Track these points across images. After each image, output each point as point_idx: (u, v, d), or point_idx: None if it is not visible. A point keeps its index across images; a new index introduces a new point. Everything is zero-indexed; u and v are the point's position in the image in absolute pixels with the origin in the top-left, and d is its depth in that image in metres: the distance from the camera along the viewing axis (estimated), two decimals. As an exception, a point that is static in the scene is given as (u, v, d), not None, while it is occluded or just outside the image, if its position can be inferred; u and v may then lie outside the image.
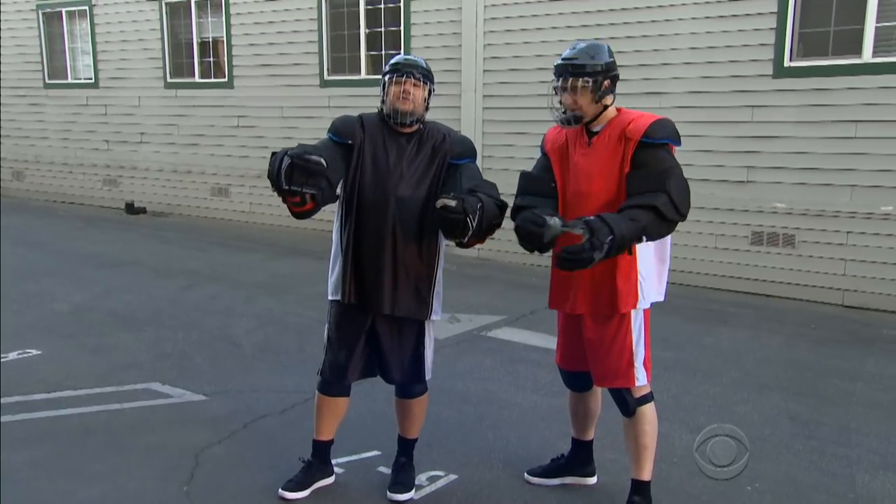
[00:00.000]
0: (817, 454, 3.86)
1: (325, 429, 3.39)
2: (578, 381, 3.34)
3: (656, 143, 2.93)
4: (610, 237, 2.70)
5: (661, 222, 2.84)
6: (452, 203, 2.81)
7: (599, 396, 3.42)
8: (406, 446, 3.46)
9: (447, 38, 8.49)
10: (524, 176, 3.26)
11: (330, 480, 3.44)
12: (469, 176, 3.16)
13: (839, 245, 6.64)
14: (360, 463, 3.67)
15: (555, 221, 2.77)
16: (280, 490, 3.32)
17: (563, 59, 3.02)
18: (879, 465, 3.74)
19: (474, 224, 2.85)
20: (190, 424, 4.11)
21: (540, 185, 3.20)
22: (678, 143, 2.99)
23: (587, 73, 2.97)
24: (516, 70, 8.03)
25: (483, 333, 5.70)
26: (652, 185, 2.86)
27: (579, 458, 3.49)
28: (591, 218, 2.77)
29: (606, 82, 3.00)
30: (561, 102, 3.06)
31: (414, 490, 3.38)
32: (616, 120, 3.03)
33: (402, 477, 3.40)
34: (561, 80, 3.00)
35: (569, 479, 3.49)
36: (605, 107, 3.03)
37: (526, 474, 3.53)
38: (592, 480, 3.50)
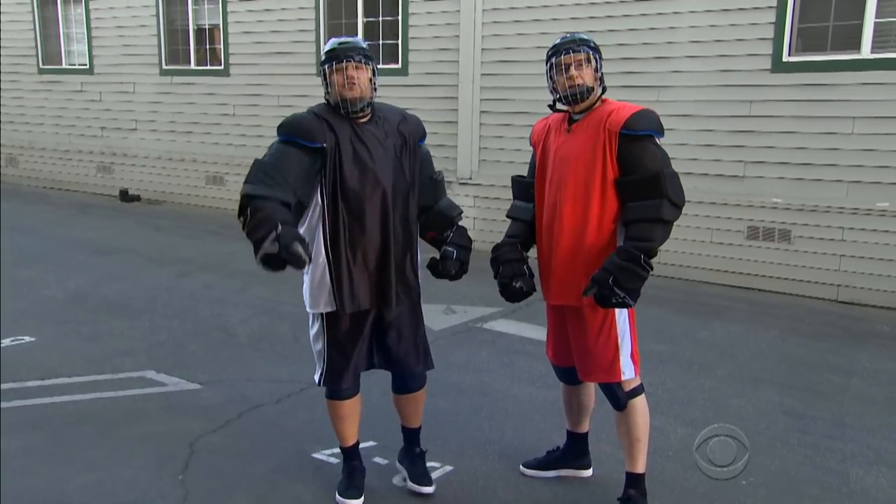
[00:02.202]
0: (811, 448, 3.87)
1: (349, 434, 3.29)
2: (571, 374, 3.33)
3: (638, 134, 2.91)
4: (610, 277, 2.83)
5: (668, 226, 2.92)
6: (453, 272, 3.15)
7: (593, 390, 3.42)
8: (414, 436, 3.41)
9: (445, 28, 8.45)
10: (513, 181, 3.40)
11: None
12: (429, 171, 3.24)
13: (834, 241, 6.66)
14: (355, 453, 3.66)
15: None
16: (340, 498, 3.24)
17: (561, 38, 3.04)
18: (873, 460, 3.76)
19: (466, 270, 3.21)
20: (185, 413, 4.10)
21: (522, 189, 3.34)
22: (661, 134, 2.97)
23: (591, 46, 3.01)
24: (514, 62, 8.00)
25: (478, 325, 5.70)
26: (649, 193, 2.88)
27: (574, 450, 3.50)
28: (596, 274, 2.89)
29: (601, 68, 3.04)
30: (555, 88, 3.04)
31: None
32: (598, 108, 3.03)
33: (422, 467, 3.37)
34: (563, 55, 2.97)
35: (564, 472, 3.49)
36: (604, 89, 3.04)
37: (521, 466, 3.53)
38: (588, 473, 3.51)
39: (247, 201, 2.81)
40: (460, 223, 3.28)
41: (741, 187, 7.00)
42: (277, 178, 2.85)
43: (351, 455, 3.34)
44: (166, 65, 10.84)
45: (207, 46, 10.53)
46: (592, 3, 7.52)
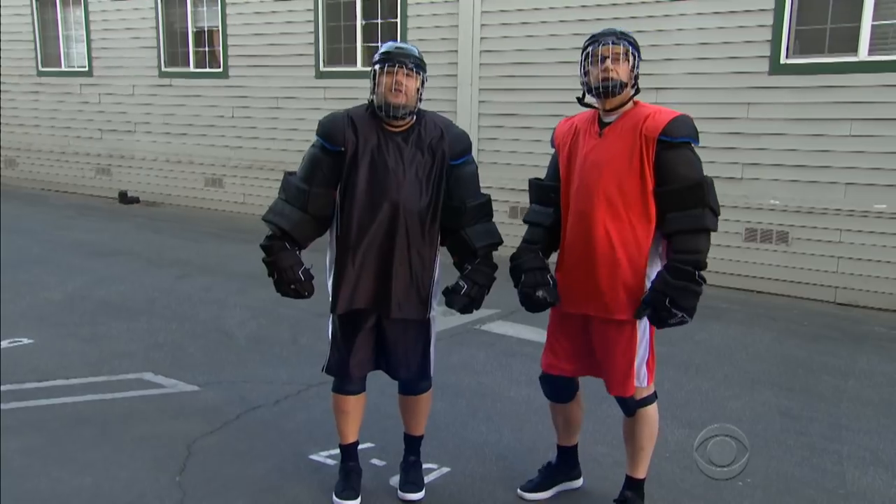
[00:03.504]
0: (808, 450, 3.88)
1: (349, 431, 3.30)
2: (561, 390, 3.24)
3: (676, 141, 2.83)
4: (667, 299, 2.77)
5: (710, 235, 2.85)
6: (456, 307, 3.11)
7: (581, 404, 3.33)
8: (413, 444, 3.41)
9: (444, 30, 8.47)
10: (531, 184, 3.28)
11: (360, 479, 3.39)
12: (463, 194, 3.09)
13: (832, 242, 6.67)
14: (353, 455, 3.66)
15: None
16: (336, 499, 3.24)
17: (603, 30, 2.94)
18: (870, 462, 3.77)
19: (480, 306, 3.16)
20: (182, 415, 4.11)
21: (542, 193, 3.21)
22: (697, 141, 2.89)
23: (630, 41, 2.91)
24: (513, 63, 8.02)
25: (477, 327, 5.70)
26: (693, 203, 2.81)
27: (567, 462, 3.42)
28: (649, 296, 2.83)
29: (638, 67, 2.93)
30: (587, 79, 2.93)
31: (424, 489, 3.34)
32: (632, 111, 2.93)
33: (413, 475, 3.36)
34: (601, 45, 2.87)
35: (560, 487, 3.42)
36: (637, 90, 2.94)
37: (519, 490, 3.39)
38: (579, 482, 3.45)
39: (266, 224, 3.14)
40: (486, 255, 3.14)
41: (739, 189, 7.01)
42: (298, 198, 3.07)
43: (349, 455, 3.34)
44: (165, 67, 10.85)
45: (207, 49, 10.55)
46: (584, 7, 7.54)
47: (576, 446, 3.43)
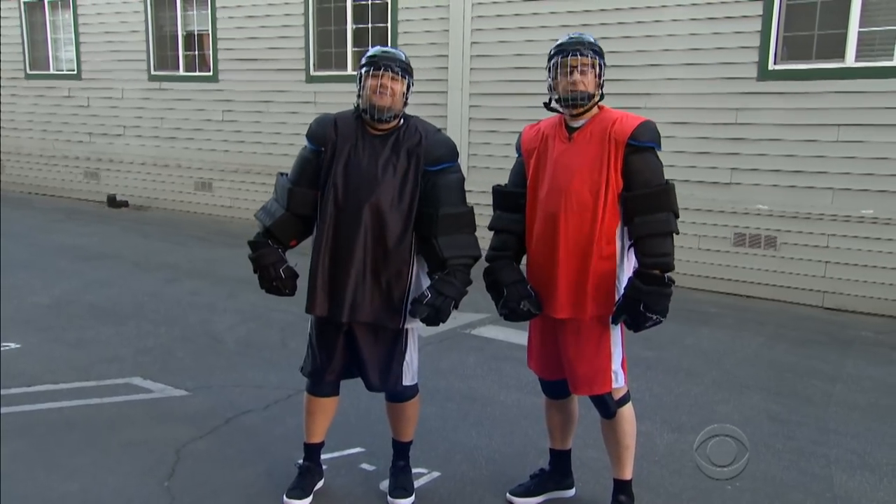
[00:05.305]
0: (796, 454, 3.90)
1: (315, 431, 3.32)
2: (559, 388, 3.26)
3: (643, 146, 2.89)
4: (640, 304, 2.85)
5: (673, 237, 2.95)
6: (417, 316, 3.02)
7: (577, 401, 3.36)
8: (402, 450, 3.40)
9: (434, 35, 8.48)
10: (495, 191, 3.27)
11: (322, 482, 3.40)
12: (437, 201, 3.02)
13: (820, 247, 6.71)
14: (343, 460, 3.66)
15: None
16: (285, 498, 3.24)
17: (569, 38, 2.96)
18: (857, 465, 3.79)
19: (447, 318, 3.05)
20: (171, 420, 4.09)
21: (509, 200, 3.20)
22: (660, 147, 2.96)
23: (596, 50, 2.94)
24: (503, 69, 8.04)
25: (467, 331, 5.70)
26: (659, 207, 2.89)
27: (559, 469, 3.41)
28: (623, 303, 2.90)
29: (604, 74, 2.96)
30: (554, 88, 2.97)
31: (414, 495, 3.33)
32: (598, 117, 2.98)
33: (402, 481, 3.35)
34: (570, 56, 2.90)
35: (551, 495, 3.42)
36: (602, 96, 2.98)
37: (508, 494, 3.40)
38: (571, 493, 3.43)
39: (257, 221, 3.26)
40: (460, 267, 3.02)
41: (727, 194, 7.05)
42: (283, 197, 3.15)
43: (310, 455, 3.36)
44: (155, 70, 10.81)
45: (196, 52, 10.52)
46: (574, 12, 7.58)
47: (569, 452, 3.43)
